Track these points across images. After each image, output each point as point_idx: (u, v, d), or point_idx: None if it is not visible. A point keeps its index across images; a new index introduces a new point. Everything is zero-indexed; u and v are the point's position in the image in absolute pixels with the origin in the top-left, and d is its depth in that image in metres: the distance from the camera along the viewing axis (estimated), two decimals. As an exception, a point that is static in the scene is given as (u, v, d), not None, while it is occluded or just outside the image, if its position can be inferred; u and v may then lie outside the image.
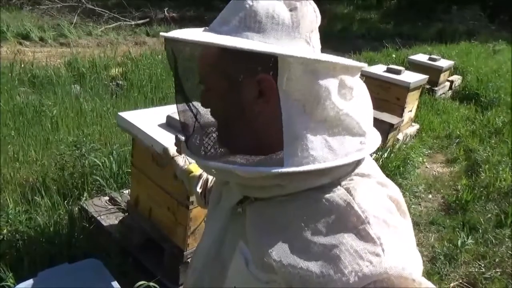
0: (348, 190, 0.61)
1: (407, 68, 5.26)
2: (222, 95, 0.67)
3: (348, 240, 0.56)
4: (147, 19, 10.92)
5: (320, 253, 0.57)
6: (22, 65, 5.35)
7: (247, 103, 0.65)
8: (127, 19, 10.42)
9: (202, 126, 0.74)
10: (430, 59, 6.40)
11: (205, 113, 0.73)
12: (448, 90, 6.86)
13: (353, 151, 0.62)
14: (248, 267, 0.66)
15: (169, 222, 2.15)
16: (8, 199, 2.61)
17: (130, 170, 2.91)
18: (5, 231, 2.33)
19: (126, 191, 2.83)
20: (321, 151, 0.60)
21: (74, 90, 4.79)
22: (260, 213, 0.67)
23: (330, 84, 0.60)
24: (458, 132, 5.22)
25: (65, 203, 2.66)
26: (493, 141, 4.99)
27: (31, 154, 3.21)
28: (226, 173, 0.67)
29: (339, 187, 0.62)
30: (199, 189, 1.12)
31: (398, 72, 4.56)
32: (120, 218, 2.54)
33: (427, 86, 6.06)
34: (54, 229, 2.38)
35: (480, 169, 4.18)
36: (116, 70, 5.78)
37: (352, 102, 0.64)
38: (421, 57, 6.61)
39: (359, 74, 0.67)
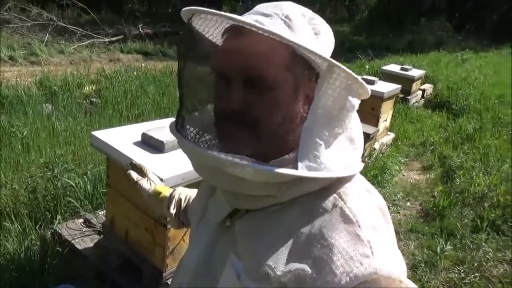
0: (339, 195, 0.64)
1: (380, 78, 5.38)
2: (284, 96, 0.64)
3: (340, 242, 0.59)
4: (121, 36, 10.83)
5: (313, 255, 0.59)
6: (-10, 85, 5.19)
7: (298, 106, 0.66)
8: (100, 36, 10.30)
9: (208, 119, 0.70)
10: (402, 69, 6.58)
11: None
12: (420, 99, 7.05)
13: (353, 163, 0.66)
14: (240, 279, 0.66)
15: (147, 242, 2.09)
16: (-25, 226, 2.49)
17: (105, 191, 2.83)
18: (-28, 260, 2.21)
19: (102, 212, 2.74)
20: (331, 161, 0.62)
21: (45, 110, 4.66)
22: (252, 225, 0.67)
23: (355, 102, 0.64)
24: (432, 140, 5.35)
25: (36, 228, 2.56)
26: (465, 147, 5.13)
27: (0, 178, 3.08)
28: (221, 174, 0.63)
29: (331, 192, 0.64)
30: (173, 210, 1.06)
31: (372, 83, 4.65)
32: (96, 240, 2.46)
33: (400, 95, 6.21)
34: (25, 256, 2.28)
35: (455, 175, 4.28)
36: (90, 87, 5.68)
37: (354, 120, 0.68)
38: (394, 67, 6.78)
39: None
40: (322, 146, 0.61)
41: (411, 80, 6.43)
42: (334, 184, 0.64)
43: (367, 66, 8.72)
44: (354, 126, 0.68)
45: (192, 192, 1.07)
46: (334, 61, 0.60)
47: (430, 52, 11.72)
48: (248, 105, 0.63)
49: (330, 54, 0.68)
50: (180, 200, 1.07)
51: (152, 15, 15.80)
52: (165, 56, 9.94)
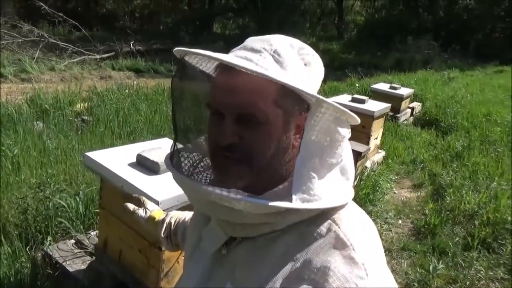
0: (333, 220, 0.66)
1: (370, 97, 5.47)
2: (275, 130, 0.67)
3: (335, 265, 0.61)
4: (113, 53, 10.86)
5: (309, 279, 0.60)
6: (-20, 103, 5.14)
7: (289, 137, 0.69)
8: (91, 53, 10.31)
9: (202, 156, 0.75)
10: (391, 87, 6.69)
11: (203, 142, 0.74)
12: (409, 117, 7.16)
13: (345, 193, 0.69)
14: None
15: (140, 264, 2.06)
16: (-37, 248, 2.43)
17: (97, 211, 2.80)
18: (-41, 284, 2.16)
19: (93, 233, 2.71)
20: (324, 192, 0.64)
21: (36, 128, 4.62)
22: (249, 252, 0.68)
23: (345, 132, 0.67)
24: (422, 157, 5.42)
25: (27, 249, 2.51)
26: (454, 165, 5.20)
27: (-10, 198, 3.03)
28: (215, 206, 0.64)
29: (325, 218, 0.66)
30: (163, 234, 1.13)
31: (362, 102, 4.72)
32: (88, 262, 2.42)
33: (390, 113, 6.30)
34: (15, 279, 2.23)
35: (445, 193, 4.32)
36: (81, 105, 5.66)
37: (345, 150, 0.70)
38: (383, 86, 6.90)
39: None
40: (315, 178, 0.63)
41: (400, 98, 6.54)
42: (328, 211, 0.66)
43: (357, 84, 8.85)
44: (346, 155, 0.69)
45: (183, 214, 1.14)
46: (321, 97, 0.62)
47: (418, 71, 11.97)
48: (241, 139, 0.66)
49: (320, 82, 0.72)
50: (170, 223, 1.13)
51: (143, 33, 15.91)
52: (157, 73, 9.99)
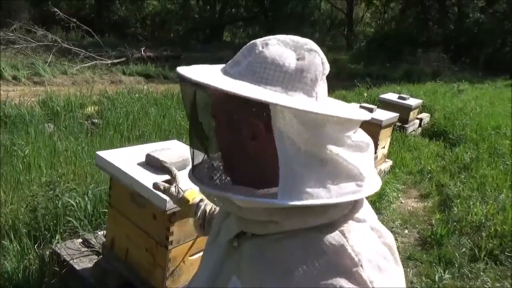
0: (342, 232, 0.63)
1: (378, 107, 5.47)
2: (223, 132, 0.71)
3: (341, 282, 0.58)
4: (124, 58, 11.01)
5: None
6: (-6, 104, 5.24)
7: (242, 143, 0.68)
8: (103, 58, 10.47)
9: (210, 157, 0.78)
10: (399, 97, 6.69)
11: (214, 145, 0.77)
12: (417, 127, 7.14)
13: (349, 192, 0.63)
14: None
15: (147, 263, 2.08)
16: (-27, 244, 2.48)
17: (105, 211, 2.84)
18: (-31, 278, 2.19)
19: (100, 233, 2.74)
20: (316, 189, 0.61)
21: (47, 129, 4.70)
22: (256, 249, 0.69)
23: (323, 132, 0.62)
24: (430, 168, 5.39)
25: (35, 247, 2.55)
26: (462, 176, 5.17)
27: (0, 196, 3.08)
28: (225, 201, 0.70)
29: (333, 229, 0.63)
30: (198, 220, 1.14)
31: (370, 110, 4.73)
32: (94, 261, 2.44)
33: (398, 124, 6.29)
34: (23, 275, 2.26)
35: (452, 204, 4.29)
36: (92, 108, 5.74)
37: (350, 148, 0.66)
38: (391, 96, 6.90)
39: (358, 124, 0.69)
40: (305, 174, 0.61)
41: (409, 109, 6.53)
42: (338, 221, 0.64)
43: (365, 94, 8.86)
44: (353, 155, 0.65)
45: None
46: (271, 99, 0.59)
47: (427, 82, 11.94)
48: (214, 139, 0.75)
49: (317, 75, 0.67)
50: (205, 211, 1.13)
51: (154, 40, 16.13)
52: (166, 79, 10.09)
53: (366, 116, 0.68)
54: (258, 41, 0.69)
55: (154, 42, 14.64)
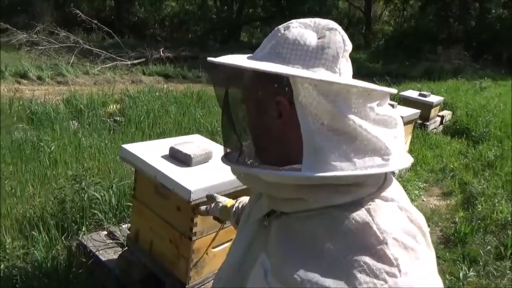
0: (368, 210, 0.62)
1: (398, 104, 5.41)
2: (251, 113, 0.74)
3: (365, 259, 0.58)
4: (143, 59, 11.19)
5: (337, 270, 0.58)
6: (21, 102, 5.40)
7: (269, 122, 0.70)
8: (123, 59, 10.65)
9: (241, 144, 0.79)
10: (420, 95, 6.59)
11: (244, 130, 0.80)
12: (439, 125, 7.02)
13: (374, 166, 0.63)
14: (266, 278, 0.67)
15: (171, 255, 2.12)
16: (5, 234, 2.56)
17: (129, 204, 2.89)
18: (2, 266, 2.27)
19: (125, 226, 2.79)
20: (340, 162, 0.61)
21: (72, 126, 4.83)
22: (284, 228, 0.70)
23: (345, 104, 0.62)
24: (452, 166, 5.29)
25: (62, 238, 2.62)
26: (486, 173, 5.06)
27: (29, 189, 3.18)
28: (254, 179, 0.72)
29: (359, 207, 0.63)
30: (232, 212, 1.25)
31: (391, 107, 4.68)
32: (119, 252, 2.50)
33: (419, 121, 6.20)
34: (51, 265, 2.33)
35: (476, 202, 4.21)
36: (114, 106, 5.85)
37: (375, 123, 0.65)
38: (412, 93, 6.81)
39: (387, 99, 0.69)
40: (329, 148, 0.61)
41: (430, 106, 6.42)
42: (364, 200, 0.64)
43: (385, 92, 8.74)
44: (378, 129, 0.65)
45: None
46: (288, 71, 0.62)
47: (448, 80, 11.72)
48: (244, 121, 0.78)
49: (338, 52, 0.68)
50: (238, 208, 1.23)
51: (173, 40, 16.31)
52: (185, 79, 10.21)
53: (388, 88, 0.68)
54: (281, 26, 0.72)
55: (172, 43, 14.81)
